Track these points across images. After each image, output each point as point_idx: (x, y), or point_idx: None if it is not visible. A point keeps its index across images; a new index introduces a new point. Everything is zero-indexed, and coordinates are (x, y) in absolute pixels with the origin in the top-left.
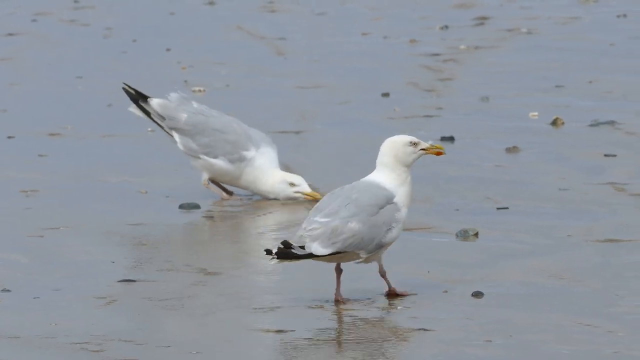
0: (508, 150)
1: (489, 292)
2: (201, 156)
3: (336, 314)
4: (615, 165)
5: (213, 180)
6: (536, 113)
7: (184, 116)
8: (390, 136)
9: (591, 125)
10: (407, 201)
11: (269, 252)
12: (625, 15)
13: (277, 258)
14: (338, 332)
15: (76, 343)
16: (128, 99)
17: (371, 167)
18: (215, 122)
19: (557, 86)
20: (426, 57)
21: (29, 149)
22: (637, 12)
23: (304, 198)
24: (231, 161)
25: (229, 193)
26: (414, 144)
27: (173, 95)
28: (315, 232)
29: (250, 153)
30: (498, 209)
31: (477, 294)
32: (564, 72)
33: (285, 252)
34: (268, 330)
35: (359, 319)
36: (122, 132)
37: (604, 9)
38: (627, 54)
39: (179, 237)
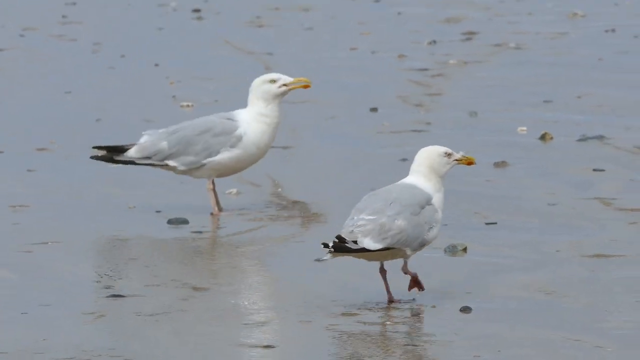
0: (496, 165)
1: (477, 307)
2: (204, 162)
3: (325, 329)
4: (603, 180)
5: (213, 190)
6: (525, 128)
7: (164, 144)
8: (379, 151)
9: (580, 140)
10: (442, 206)
11: (325, 245)
12: (613, 30)
13: (334, 251)
14: (326, 348)
15: (65, 358)
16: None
17: (361, 183)
18: (194, 128)
19: (545, 101)
20: (414, 72)
21: (18, 164)
22: (625, 27)
23: (290, 89)
24: (233, 146)
25: (220, 209)
26: (448, 155)
27: (144, 136)
28: (365, 228)
29: (241, 128)
30: (487, 224)
31: (466, 309)
32: (553, 87)
33: (341, 246)
34: (257, 346)
35: (347, 333)
36: None
37: (592, 24)
38: (615, 69)
39: (167, 253)
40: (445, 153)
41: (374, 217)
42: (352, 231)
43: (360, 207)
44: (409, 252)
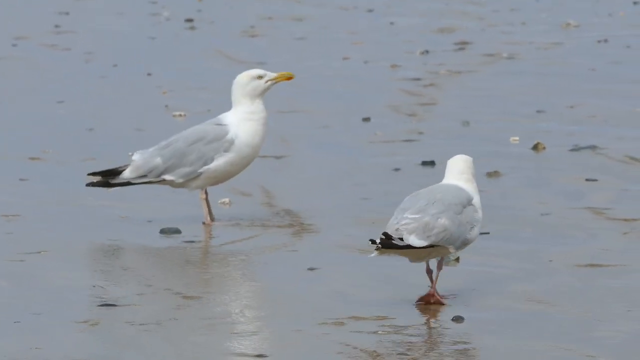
0: (489, 174)
1: (470, 317)
2: (201, 170)
3: (316, 338)
4: (596, 190)
5: (206, 199)
6: (517, 138)
7: (158, 159)
8: (371, 160)
9: (572, 150)
10: (481, 206)
11: (373, 242)
12: (606, 41)
13: (382, 247)
14: (318, 357)
15: None
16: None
17: (353, 192)
18: (185, 139)
19: (538, 111)
20: (407, 81)
21: (10, 173)
22: (618, 37)
23: (276, 82)
24: (226, 150)
25: (212, 219)
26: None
27: (135, 155)
28: (409, 226)
29: (232, 132)
30: (479, 233)
31: (458, 319)
32: (545, 97)
33: (388, 243)
34: (248, 355)
35: (339, 343)
36: (103, 156)
37: (585, 35)
38: (608, 79)
39: (159, 262)
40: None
41: (418, 216)
42: (398, 229)
43: (403, 207)
44: (452, 250)
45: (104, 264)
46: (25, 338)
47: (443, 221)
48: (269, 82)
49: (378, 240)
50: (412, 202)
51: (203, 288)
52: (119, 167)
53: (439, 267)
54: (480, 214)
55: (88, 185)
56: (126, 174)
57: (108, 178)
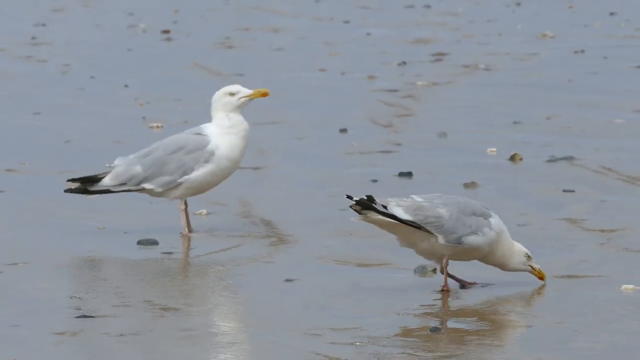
0: (466, 185)
1: (447, 328)
2: (180, 180)
3: (294, 350)
4: (573, 201)
5: (185, 210)
6: (494, 149)
7: (138, 168)
8: (348, 171)
9: (549, 161)
10: (502, 237)
11: (350, 197)
12: (582, 51)
13: (356, 204)
14: None
15: None
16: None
17: (330, 203)
18: (166, 148)
19: (515, 122)
20: (384, 92)
21: None
22: (594, 48)
23: (250, 99)
24: (206, 161)
25: (190, 230)
26: None
27: (116, 161)
28: (404, 202)
29: (212, 143)
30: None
31: (435, 330)
32: (522, 108)
33: (366, 203)
34: None
35: (316, 354)
36: (80, 168)
37: (561, 45)
38: (584, 90)
39: (137, 273)
40: None
41: (420, 200)
42: (389, 199)
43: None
44: (440, 240)
45: (81, 275)
46: (3, 349)
47: (441, 210)
48: (242, 99)
49: (357, 198)
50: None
51: (181, 299)
52: (99, 175)
53: (443, 272)
54: (493, 234)
55: (66, 191)
56: (106, 181)
57: (87, 185)
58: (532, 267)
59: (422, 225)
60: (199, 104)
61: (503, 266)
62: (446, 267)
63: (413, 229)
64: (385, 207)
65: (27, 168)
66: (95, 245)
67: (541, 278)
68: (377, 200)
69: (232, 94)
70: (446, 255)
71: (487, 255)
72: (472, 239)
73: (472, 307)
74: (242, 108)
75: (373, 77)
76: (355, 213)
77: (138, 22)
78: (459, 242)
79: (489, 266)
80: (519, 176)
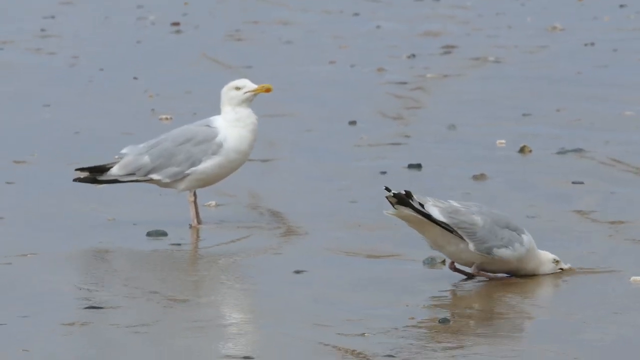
0: (475, 177)
1: (456, 319)
2: (188, 172)
3: (303, 341)
4: (582, 193)
5: (194, 202)
6: (503, 141)
7: (146, 158)
8: (358, 164)
9: (559, 153)
10: (531, 254)
11: (388, 189)
12: (592, 44)
13: (393, 196)
14: (305, 359)
15: None
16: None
17: (339, 196)
18: (174, 139)
19: (524, 114)
20: (393, 85)
21: None
22: (604, 41)
23: (255, 94)
24: (214, 153)
25: (199, 222)
26: None
27: (124, 150)
28: (441, 203)
29: (221, 135)
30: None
31: (444, 321)
32: (532, 101)
33: (402, 198)
34: (234, 357)
35: (326, 345)
36: (89, 159)
37: (571, 38)
38: (594, 83)
39: (146, 265)
40: None
41: (458, 205)
42: (427, 198)
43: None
44: (471, 247)
45: (90, 267)
46: (12, 341)
47: (476, 217)
48: (247, 94)
49: (395, 191)
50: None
51: (190, 291)
52: (107, 164)
53: (477, 273)
54: (523, 250)
55: (75, 180)
56: (114, 171)
57: (95, 174)
58: (562, 268)
59: (455, 229)
60: (208, 96)
61: (534, 274)
62: (478, 272)
63: (445, 232)
64: (422, 205)
65: (36, 160)
66: (104, 236)
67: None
68: (415, 197)
69: (237, 88)
70: (475, 263)
71: (517, 270)
72: (503, 252)
73: (480, 298)
74: (248, 102)
75: (382, 70)
76: (389, 206)
77: (147, 14)
78: (489, 252)
79: None
80: (528, 168)
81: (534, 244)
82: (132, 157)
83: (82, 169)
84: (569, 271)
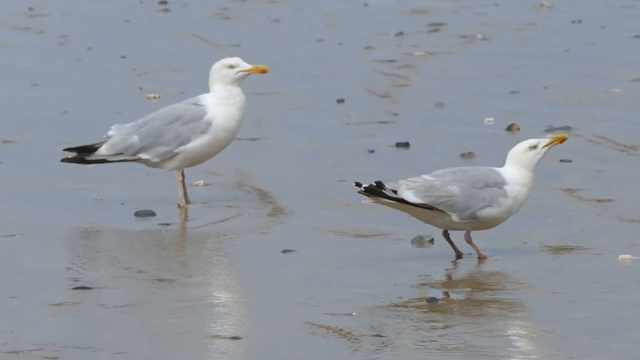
0: (463, 155)
1: (444, 298)
2: (177, 151)
3: (291, 320)
4: (570, 171)
5: (182, 182)
6: (491, 119)
7: (135, 137)
8: (346, 142)
9: (546, 131)
10: (520, 198)
11: (358, 184)
12: (580, 21)
13: (365, 191)
14: (293, 339)
15: (32, 350)
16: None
17: (328, 174)
18: (163, 118)
19: (512, 92)
20: (381, 63)
21: None
22: (592, 18)
23: (248, 74)
24: (203, 132)
25: (187, 201)
26: (534, 147)
27: (112, 131)
28: (414, 184)
29: (209, 113)
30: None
31: (432, 300)
32: (519, 78)
33: (374, 189)
34: (223, 337)
35: (313, 324)
36: (78, 139)
37: (559, 15)
38: (582, 60)
39: (134, 245)
40: (530, 147)
41: (432, 179)
42: (399, 182)
43: (433, 172)
44: (454, 218)
45: (78, 247)
46: (0, 321)
47: (452, 188)
48: (241, 73)
49: (366, 185)
50: (443, 169)
51: (178, 270)
52: (95, 144)
53: (469, 242)
54: (511, 202)
55: (63, 160)
56: (102, 151)
57: (83, 154)
58: (547, 146)
59: (434, 206)
60: (197, 74)
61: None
62: (470, 240)
63: (426, 210)
64: (395, 191)
65: (24, 139)
66: (92, 216)
67: (563, 139)
68: (387, 185)
69: (231, 67)
70: (466, 230)
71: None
72: (487, 212)
73: (469, 277)
74: (239, 82)
75: (370, 48)
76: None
77: None
78: (473, 217)
79: (491, 233)
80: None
81: (520, 195)
82: (121, 137)
83: (70, 149)
84: (559, 141)
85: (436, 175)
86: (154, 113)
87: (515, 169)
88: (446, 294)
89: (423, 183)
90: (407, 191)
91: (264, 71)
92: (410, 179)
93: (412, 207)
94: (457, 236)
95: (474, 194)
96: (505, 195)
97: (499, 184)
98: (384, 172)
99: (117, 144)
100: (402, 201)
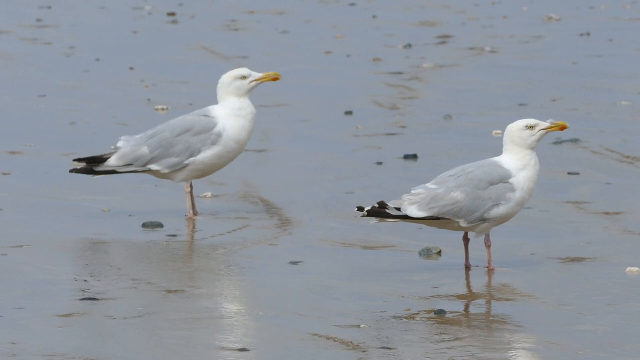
0: None
1: (452, 310)
2: (187, 162)
3: (299, 332)
4: (578, 184)
5: (190, 193)
6: (499, 131)
7: (145, 148)
8: (354, 154)
9: (554, 143)
10: (528, 185)
11: (360, 209)
12: (588, 34)
13: (367, 215)
14: (300, 351)
15: None
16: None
17: (335, 186)
18: (172, 129)
19: (520, 104)
20: (389, 75)
21: None
22: (600, 31)
23: (261, 82)
24: (213, 143)
25: (195, 213)
26: (531, 127)
27: (121, 142)
28: (417, 197)
29: (220, 125)
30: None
31: (440, 312)
32: (527, 90)
33: (377, 211)
34: (231, 349)
35: (321, 336)
36: (85, 150)
37: (567, 28)
38: (590, 72)
39: (141, 256)
40: (527, 126)
41: (434, 187)
42: (402, 198)
43: (437, 177)
44: (463, 223)
45: (86, 258)
46: (7, 332)
47: (456, 194)
48: (253, 83)
49: (368, 208)
50: (445, 173)
51: (185, 282)
52: (104, 155)
53: (487, 244)
54: (518, 194)
55: (72, 171)
56: (112, 162)
57: (92, 165)
58: (544, 129)
59: (440, 216)
60: (204, 86)
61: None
62: (488, 246)
63: (434, 219)
64: (398, 209)
65: (32, 150)
66: (100, 227)
67: (563, 127)
68: (390, 204)
69: (243, 77)
70: (482, 234)
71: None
72: (496, 212)
73: (477, 289)
74: (251, 92)
75: (378, 60)
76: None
77: (143, 4)
78: (482, 219)
79: (499, 246)
80: None
81: (526, 186)
82: (130, 148)
83: (79, 160)
84: (559, 128)
85: (439, 181)
86: (164, 124)
87: (513, 151)
88: (454, 306)
89: (426, 194)
90: (411, 206)
91: (275, 78)
92: (413, 190)
93: (419, 219)
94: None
95: (479, 195)
96: (512, 190)
97: (504, 178)
98: (391, 184)
99: (127, 154)
100: (407, 217)
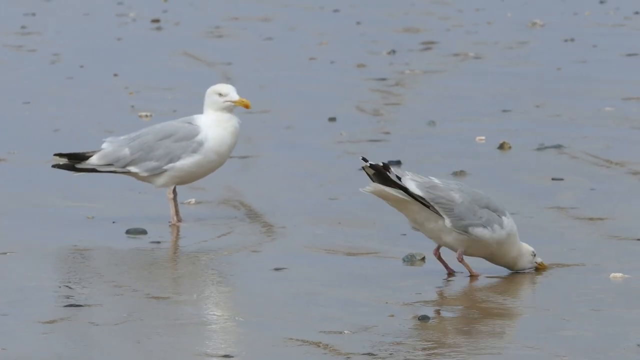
0: (455, 174)
1: (435, 316)
2: (166, 167)
3: (283, 339)
4: (562, 189)
5: (174, 199)
6: (483, 137)
7: (126, 150)
8: (338, 160)
9: (538, 149)
10: (514, 232)
11: (365, 159)
12: (572, 40)
13: (370, 167)
14: (284, 357)
15: None
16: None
17: (319, 193)
18: (155, 133)
19: (504, 110)
20: (373, 81)
21: None
22: (584, 36)
23: (235, 105)
24: (194, 151)
25: (179, 219)
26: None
27: (106, 144)
28: (419, 178)
29: (202, 134)
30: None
31: (424, 318)
32: (511, 97)
33: (379, 169)
34: (214, 355)
35: (305, 342)
36: None
37: (551, 34)
38: (574, 78)
39: (125, 262)
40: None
41: (438, 182)
42: (405, 172)
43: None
44: (447, 223)
45: (70, 265)
46: None
47: (454, 194)
48: (227, 103)
49: (373, 162)
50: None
51: (170, 288)
52: (87, 153)
53: (459, 260)
54: (504, 233)
55: (54, 166)
56: (93, 160)
57: (74, 162)
58: (537, 263)
59: (432, 204)
60: (188, 93)
61: (512, 267)
62: (462, 259)
63: (422, 208)
64: (399, 178)
65: (15, 157)
66: (83, 234)
67: (544, 269)
68: (392, 170)
69: (220, 95)
70: (458, 249)
71: (497, 256)
72: (479, 231)
73: (460, 295)
74: (229, 110)
75: (362, 66)
76: (366, 181)
77: (127, 10)
78: (465, 229)
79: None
80: (508, 165)
81: (516, 231)
82: (113, 148)
83: (60, 155)
84: (542, 268)
85: (442, 180)
86: (149, 128)
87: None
88: (438, 312)
89: (428, 181)
90: (411, 182)
91: (246, 107)
92: (416, 175)
93: (409, 201)
94: (448, 254)
95: (473, 208)
96: (501, 225)
97: (499, 212)
98: None
99: (108, 154)
100: (402, 190)
